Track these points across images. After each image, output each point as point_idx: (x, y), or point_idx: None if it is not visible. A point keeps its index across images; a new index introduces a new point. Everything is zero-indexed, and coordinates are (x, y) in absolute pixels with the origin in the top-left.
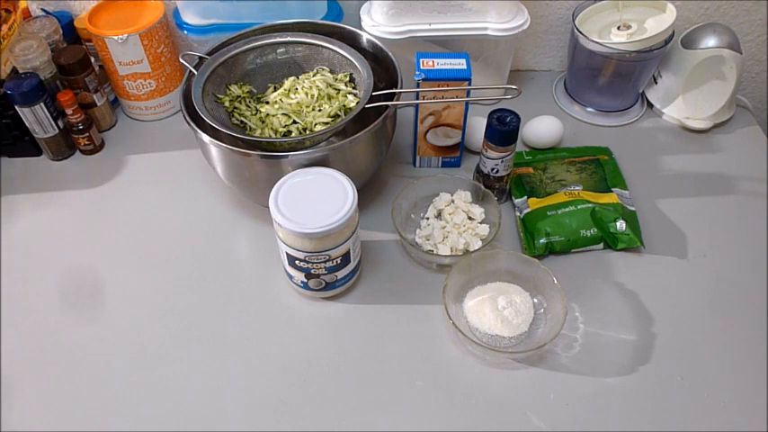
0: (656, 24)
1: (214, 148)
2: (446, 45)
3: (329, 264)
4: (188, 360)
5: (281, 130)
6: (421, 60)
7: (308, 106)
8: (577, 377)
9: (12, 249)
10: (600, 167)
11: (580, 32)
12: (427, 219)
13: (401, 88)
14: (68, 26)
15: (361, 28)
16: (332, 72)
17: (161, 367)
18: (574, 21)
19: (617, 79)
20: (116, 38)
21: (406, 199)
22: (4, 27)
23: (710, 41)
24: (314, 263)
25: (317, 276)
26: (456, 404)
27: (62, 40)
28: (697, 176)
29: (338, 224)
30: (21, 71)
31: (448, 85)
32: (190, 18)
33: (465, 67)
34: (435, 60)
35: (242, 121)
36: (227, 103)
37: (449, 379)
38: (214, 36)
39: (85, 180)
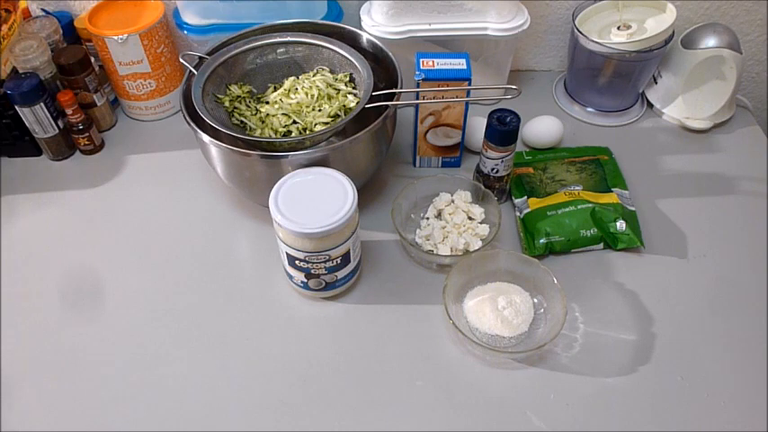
0: (656, 24)
1: (214, 148)
2: (446, 45)
3: (329, 264)
4: (188, 360)
5: (281, 130)
6: (421, 60)
7: (307, 106)
8: (577, 377)
9: (12, 249)
10: (600, 167)
11: (580, 32)
12: (427, 219)
13: (401, 88)
14: (68, 26)
15: (361, 28)
16: (332, 72)
17: (161, 367)
18: (574, 21)
19: (617, 79)
20: (116, 38)
21: (406, 199)
22: (4, 27)
23: (710, 41)
24: (314, 263)
25: (317, 276)
26: (456, 404)
27: (62, 40)
28: (697, 176)
29: (338, 224)
30: (21, 71)
31: (448, 85)
32: (190, 18)
33: (465, 67)
34: (435, 60)
35: (242, 121)
36: (227, 103)
37: (449, 379)
38: (214, 36)
39: (85, 180)
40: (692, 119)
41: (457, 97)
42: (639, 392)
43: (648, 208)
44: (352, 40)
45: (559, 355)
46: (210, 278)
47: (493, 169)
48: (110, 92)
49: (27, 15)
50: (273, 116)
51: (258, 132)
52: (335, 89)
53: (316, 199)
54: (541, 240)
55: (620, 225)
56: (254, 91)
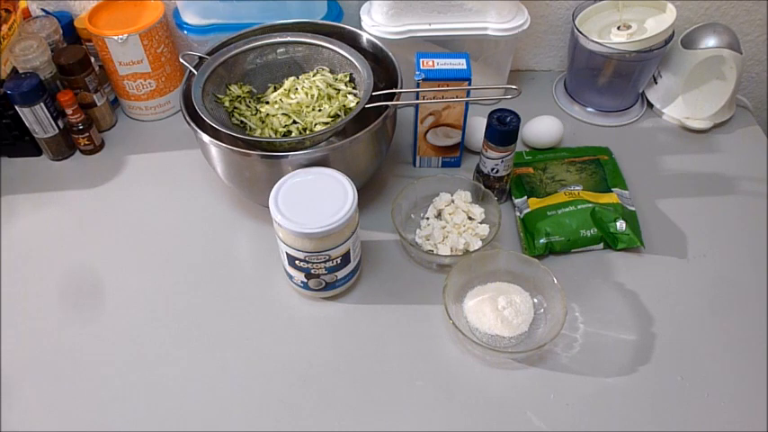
0: (656, 24)
1: (214, 148)
2: (446, 45)
3: (329, 264)
4: (188, 360)
5: (281, 130)
6: (421, 60)
7: (308, 106)
8: (577, 377)
9: (12, 249)
10: (600, 167)
11: (580, 32)
12: (427, 219)
13: (401, 88)
14: (68, 26)
15: (361, 28)
16: (332, 72)
17: (161, 367)
18: (574, 21)
19: (617, 79)
20: (116, 38)
21: (406, 199)
22: (4, 27)
23: (710, 41)
24: (314, 263)
25: (317, 276)
26: (456, 404)
27: (62, 40)
28: (697, 176)
29: (338, 224)
30: (21, 71)
31: (448, 85)
32: (190, 18)
33: (465, 67)
34: (435, 60)
35: (242, 121)
36: (227, 103)
37: (449, 379)
38: (214, 36)
39: (85, 180)
40: (692, 119)
41: (457, 97)
42: (639, 392)
43: (648, 208)
44: (352, 40)
45: (559, 355)
46: (210, 278)
47: (493, 169)
48: (110, 92)
49: (27, 15)
50: (273, 116)
51: (258, 132)
52: (335, 89)
53: (316, 199)
54: (541, 240)
55: (620, 225)
56: (254, 91)
